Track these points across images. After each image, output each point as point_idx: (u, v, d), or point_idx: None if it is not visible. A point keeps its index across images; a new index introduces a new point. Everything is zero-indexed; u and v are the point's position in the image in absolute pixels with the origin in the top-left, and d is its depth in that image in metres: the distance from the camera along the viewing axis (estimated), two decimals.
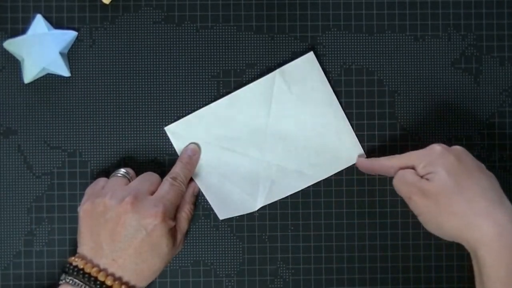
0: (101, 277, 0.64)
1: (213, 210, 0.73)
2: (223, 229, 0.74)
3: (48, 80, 0.73)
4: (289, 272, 0.74)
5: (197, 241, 0.73)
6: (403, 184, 0.66)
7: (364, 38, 0.74)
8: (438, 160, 0.64)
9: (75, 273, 0.64)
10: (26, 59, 0.71)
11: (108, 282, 0.64)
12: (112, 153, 0.73)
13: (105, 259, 0.65)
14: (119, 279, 0.65)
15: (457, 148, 0.66)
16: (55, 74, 0.73)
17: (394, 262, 0.73)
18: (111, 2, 0.73)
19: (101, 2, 0.73)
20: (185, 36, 0.74)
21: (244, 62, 0.74)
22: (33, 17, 0.72)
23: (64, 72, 0.72)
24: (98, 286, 0.63)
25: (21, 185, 0.73)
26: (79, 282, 0.64)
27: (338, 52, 0.74)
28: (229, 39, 0.74)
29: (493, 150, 0.75)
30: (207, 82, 0.74)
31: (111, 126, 0.73)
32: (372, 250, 0.73)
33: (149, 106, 0.73)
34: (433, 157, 0.65)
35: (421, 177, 0.65)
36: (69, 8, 0.73)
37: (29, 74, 0.72)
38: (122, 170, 0.70)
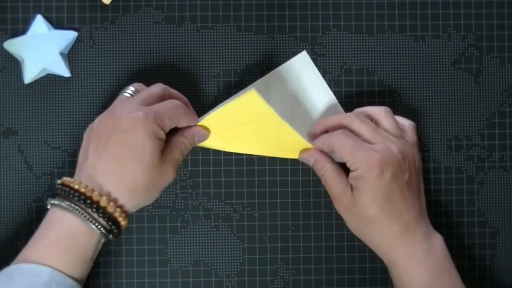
0: (80, 188, 0.61)
1: (213, 210, 0.73)
2: (223, 229, 0.74)
3: (48, 80, 0.73)
4: (289, 272, 0.74)
5: (198, 241, 0.73)
6: (332, 186, 0.67)
7: (364, 38, 0.75)
8: (371, 181, 0.64)
9: (63, 193, 0.62)
10: (26, 60, 0.71)
11: (88, 194, 0.61)
12: None
13: (85, 171, 0.62)
14: (100, 189, 0.61)
15: (395, 158, 0.65)
16: (55, 74, 0.73)
17: None
18: (111, 2, 0.73)
19: (101, 2, 0.73)
20: (185, 36, 0.74)
21: (244, 62, 0.74)
22: (33, 18, 0.72)
23: (64, 72, 0.72)
24: (80, 200, 0.61)
25: (21, 185, 0.73)
26: (64, 202, 0.61)
27: (338, 52, 0.74)
28: (229, 39, 0.74)
29: (493, 150, 0.75)
30: (207, 82, 0.74)
31: None
32: (372, 250, 0.73)
33: None
34: (367, 171, 0.64)
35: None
36: (69, 8, 0.73)
37: (29, 74, 0.71)
38: (131, 89, 0.68)
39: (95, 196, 0.61)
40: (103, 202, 0.61)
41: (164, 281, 0.73)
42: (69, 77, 0.73)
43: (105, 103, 0.73)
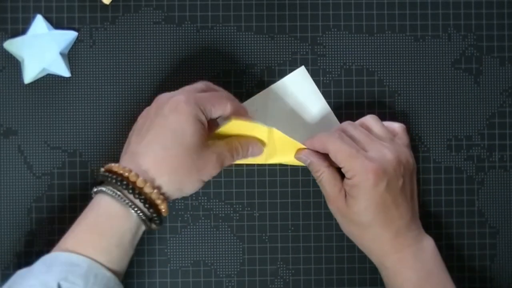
0: (118, 170, 0.61)
1: (213, 210, 0.73)
2: (223, 229, 0.74)
3: (48, 81, 0.73)
4: (289, 272, 0.74)
5: (198, 241, 0.73)
6: (327, 189, 0.68)
7: (364, 38, 0.75)
8: (367, 190, 0.65)
9: (104, 178, 0.61)
10: (27, 60, 0.71)
11: (125, 174, 0.60)
12: (112, 153, 0.73)
13: (127, 156, 0.62)
14: (139, 170, 0.61)
15: (390, 166, 0.65)
16: (55, 75, 0.73)
17: None
18: (111, 2, 0.73)
19: (101, 2, 0.73)
20: (185, 37, 0.74)
21: (244, 62, 0.74)
22: (33, 18, 0.72)
23: (64, 72, 0.72)
24: (118, 182, 0.60)
25: (21, 186, 0.73)
26: (104, 186, 0.61)
27: (338, 52, 0.74)
28: (229, 39, 0.74)
29: (493, 150, 0.75)
30: (206, 83, 0.74)
31: (111, 126, 0.73)
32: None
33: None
34: (362, 180, 0.65)
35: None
36: (69, 9, 0.73)
37: (29, 74, 0.71)
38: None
39: (131, 177, 0.61)
40: (139, 183, 0.60)
41: (164, 281, 0.73)
42: (69, 77, 0.73)
43: (105, 103, 0.73)
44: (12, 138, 0.73)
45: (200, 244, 0.74)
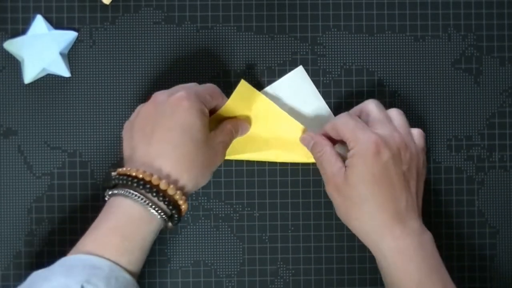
0: (138, 174, 0.60)
1: (213, 210, 0.74)
2: (223, 229, 0.74)
3: (48, 81, 0.73)
4: (289, 272, 0.74)
5: (198, 241, 0.74)
6: (326, 167, 0.66)
7: (364, 38, 0.75)
8: (367, 157, 0.63)
9: (121, 182, 0.61)
10: (26, 60, 0.71)
11: (147, 178, 0.60)
12: (112, 153, 0.73)
13: (138, 161, 0.62)
14: (159, 173, 0.60)
15: (395, 144, 0.65)
16: (55, 75, 0.73)
17: None
18: (111, 2, 0.73)
19: (101, 2, 0.73)
20: (185, 37, 0.74)
21: (244, 62, 0.74)
22: (33, 18, 0.72)
23: (64, 72, 0.72)
24: (139, 185, 0.60)
25: (21, 186, 0.73)
26: (123, 190, 0.60)
27: (338, 53, 0.74)
28: (229, 39, 0.74)
29: (493, 150, 0.75)
30: (207, 82, 0.74)
31: (111, 126, 0.73)
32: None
33: None
34: (363, 148, 0.64)
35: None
36: (69, 9, 0.73)
37: (29, 74, 0.72)
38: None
39: (154, 180, 0.60)
40: (163, 185, 0.60)
41: (164, 281, 0.73)
42: (69, 77, 0.73)
43: (105, 103, 0.73)
44: (12, 138, 0.73)
45: (200, 244, 0.74)
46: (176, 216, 0.62)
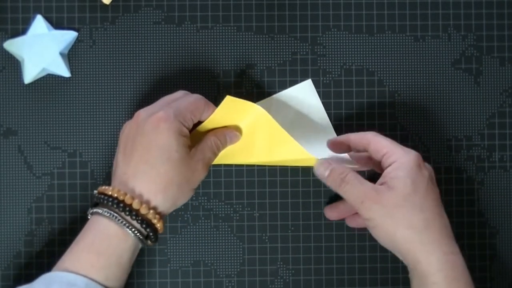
0: (113, 193, 0.62)
1: (213, 210, 0.74)
2: (223, 229, 0.74)
3: (48, 81, 0.73)
4: (289, 272, 0.74)
5: (198, 241, 0.74)
6: (357, 186, 0.64)
7: (364, 38, 0.75)
8: (412, 169, 0.63)
9: (100, 200, 0.62)
10: (27, 60, 0.71)
11: (120, 197, 0.61)
12: (112, 153, 0.73)
13: (118, 178, 0.63)
14: (132, 192, 0.62)
15: (430, 168, 0.66)
16: (55, 75, 0.73)
17: (394, 262, 0.73)
18: (111, 2, 0.73)
19: (101, 2, 0.73)
20: (185, 37, 0.74)
21: (244, 62, 0.74)
22: (33, 18, 0.72)
23: (64, 72, 0.72)
24: (114, 204, 0.61)
25: (21, 186, 0.73)
26: (100, 209, 0.62)
27: (338, 53, 0.74)
28: (229, 39, 0.74)
29: (493, 150, 0.75)
30: (207, 83, 0.74)
31: (111, 126, 0.73)
32: (373, 250, 0.73)
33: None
34: (407, 161, 0.64)
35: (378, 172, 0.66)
36: (69, 9, 0.73)
37: (29, 74, 0.71)
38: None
39: (127, 199, 0.61)
40: (135, 205, 0.61)
41: (164, 281, 0.73)
42: (69, 77, 0.73)
43: (105, 103, 0.73)
44: (12, 138, 0.73)
45: (200, 244, 0.74)
46: (152, 234, 0.63)
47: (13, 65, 0.73)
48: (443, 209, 0.65)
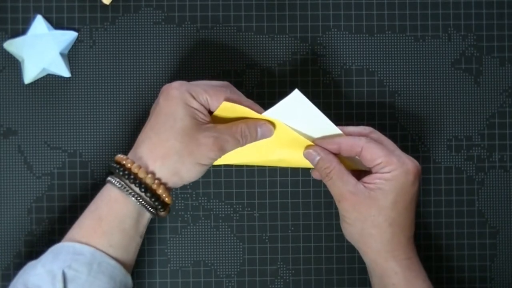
0: (118, 159, 0.63)
1: (213, 210, 0.74)
2: (223, 229, 0.74)
3: (48, 81, 0.73)
4: (289, 272, 0.74)
5: (198, 241, 0.74)
6: (337, 184, 0.65)
7: (364, 38, 0.75)
8: (405, 186, 0.64)
9: (111, 168, 0.64)
10: (27, 60, 0.71)
11: (122, 162, 0.63)
12: (112, 153, 0.73)
13: (138, 139, 0.65)
14: (134, 157, 0.63)
15: (420, 180, 0.66)
16: (55, 75, 0.73)
17: None
18: (111, 2, 0.73)
19: (101, 2, 0.73)
20: (185, 37, 0.74)
21: (244, 62, 0.74)
22: (34, 18, 0.72)
23: (64, 72, 0.72)
24: (117, 169, 0.63)
25: (21, 186, 0.73)
26: (115, 179, 0.63)
27: (338, 53, 0.74)
28: (229, 39, 0.74)
29: (493, 150, 0.75)
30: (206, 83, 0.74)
31: (111, 126, 0.73)
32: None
33: (149, 106, 0.73)
34: (403, 176, 0.64)
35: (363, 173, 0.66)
36: (69, 9, 0.73)
37: (29, 74, 0.72)
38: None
39: (127, 163, 0.63)
40: (134, 169, 0.62)
41: (164, 281, 0.73)
42: (69, 77, 0.73)
43: (105, 103, 0.73)
44: (12, 138, 0.73)
45: (200, 244, 0.74)
46: (155, 202, 0.63)
47: (13, 65, 0.73)
48: (414, 216, 0.66)
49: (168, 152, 0.63)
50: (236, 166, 0.74)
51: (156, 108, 0.64)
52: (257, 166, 0.74)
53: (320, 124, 0.66)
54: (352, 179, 0.65)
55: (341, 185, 0.65)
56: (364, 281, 0.74)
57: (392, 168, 0.63)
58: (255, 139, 0.66)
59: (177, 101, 0.63)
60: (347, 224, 0.66)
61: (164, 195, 0.63)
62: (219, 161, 0.67)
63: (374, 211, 0.64)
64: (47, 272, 0.60)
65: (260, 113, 0.66)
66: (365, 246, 0.66)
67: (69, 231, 0.64)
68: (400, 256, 0.65)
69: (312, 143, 0.67)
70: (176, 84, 0.64)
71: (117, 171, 0.63)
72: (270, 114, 0.66)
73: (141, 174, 0.62)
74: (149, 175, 0.62)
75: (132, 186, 0.62)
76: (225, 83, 0.67)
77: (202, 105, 0.64)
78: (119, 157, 0.64)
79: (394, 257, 0.65)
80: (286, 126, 0.66)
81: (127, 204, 0.63)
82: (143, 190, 0.62)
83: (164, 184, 0.63)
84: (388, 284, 0.65)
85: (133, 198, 0.62)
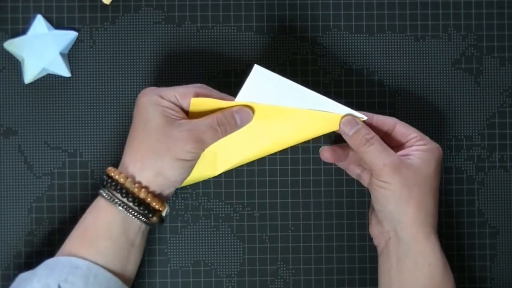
0: (107, 171, 0.65)
1: (213, 210, 0.74)
2: (223, 229, 0.74)
3: (48, 80, 0.73)
4: (289, 272, 0.74)
5: (198, 241, 0.74)
6: (381, 149, 0.65)
7: (364, 38, 0.75)
8: (438, 158, 0.66)
9: (103, 182, 0.65)
10: (27, 60, 0.71)
11: (107, 171, 0.65)
12: (112, 153, 0.73)
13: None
14: (120, 165, 0.65)
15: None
16: (55, 74, 0.73)
17: None
18: (111, 2, 0.73)
19: (102, 2, 0.73)
20: (185, 37, 0.74)
21: (244, 62, 0.74)
22: (34, 18, 0.72)
23: (65, 72, 0.72)
24: (106, 180, 0.64)
25: (22, 186, 0.73)
26: (106, 191, 0.64)
27: (339, 53, 0.74)
28: (230, 39, 0.74)
29: (493, 150, 0.75)
30: (207, 83, 0.73)
31: (111, 126, 0.73)
32: (373, 250, 0.73)
33: None
34: (436, 149, 0.67)
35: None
36: (70, 9, 0.73)
37: (30, 74, 0.72)
38: None
39: (109, 172, 0.64)
40: (116, 176, 0.63)
41: (164, 281, 0.73)
42: (69, 77, 0.73)
43: (105, 103, 0.73)
44: (12, 138, 0.73)
45: (200, 244, 0.74)
46: (138, 206, 0.63)
47: (13, 65, 0.73)
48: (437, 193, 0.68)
49: (144, 152, 0.63)
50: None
51: (133, 118, 0.66)
52: (257, 163, 0.74)
53: (295, 92, 0.66)
54: (391, 150, 0.66)
55: (385, 150, 0.66)
56: (364, 281, 0.74)
57: (427, 142, 0.67)
58: (236, 126, 0.66)
59: (146, 104, 0.64)
60: (389, 192, 0.64)
61: (148, 200, 0.63)
62: (220, 168, 0.69)
63: (420, 179, 0.65)
64: (43, 286, 0.60)
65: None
66: (408, 218, 0.64)
67: (63, 245, 0.64)
68: (435, 235, 0.66)
69: (300, 111, 0.67)
70: (145, 90, 0.66)
71: (104, 182, 0.64)
72: (242, 98, 0.66)
73: (121, 180, 0.63)
74: (129, 179, 0.63)
75: (114, 192, 0.63)
76: (199, 84, 0.67)
77: (172, 102, 0.65)
78: (108, 169, 0.65)
79: (434, 233, 0.66)
80: (265, 105, 0.66)
81: (112, 211, 0.63)
82: (124, 195, 0.63)
83: (147, 188, 0.63)
84: (422, 265, 0.65)
85: (117, 205, 0.63)
